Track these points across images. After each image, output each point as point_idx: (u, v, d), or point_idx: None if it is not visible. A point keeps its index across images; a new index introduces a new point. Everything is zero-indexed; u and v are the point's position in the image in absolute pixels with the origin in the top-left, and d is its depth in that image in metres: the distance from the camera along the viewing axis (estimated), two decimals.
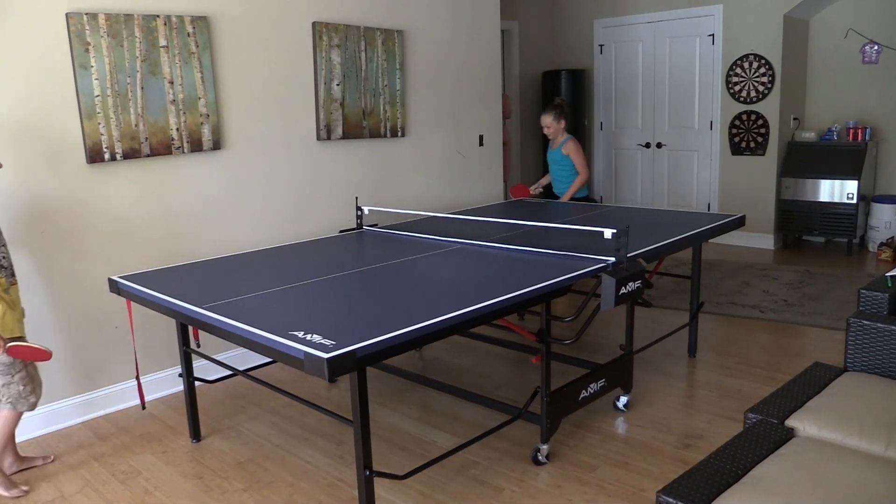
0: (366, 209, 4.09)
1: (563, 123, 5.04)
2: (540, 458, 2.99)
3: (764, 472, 1.89)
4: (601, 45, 7.99)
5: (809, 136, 6.89)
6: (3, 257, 2.86)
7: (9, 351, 2.78)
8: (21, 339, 2.89)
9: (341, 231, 4.08)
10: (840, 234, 6.66)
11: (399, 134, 5.05)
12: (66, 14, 3.36)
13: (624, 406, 3.48)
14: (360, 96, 4.73)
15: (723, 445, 2.06)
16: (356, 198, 4.33)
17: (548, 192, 5.33)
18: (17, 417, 2.96)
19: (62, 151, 3.44)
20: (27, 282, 3.38)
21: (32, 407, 2.98)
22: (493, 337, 4.18)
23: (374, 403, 3.62)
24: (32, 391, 2.96)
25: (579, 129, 8.00)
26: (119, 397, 3.73)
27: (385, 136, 4.96)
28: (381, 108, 4.89)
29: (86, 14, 3.40)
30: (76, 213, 3.52)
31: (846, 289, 5.43)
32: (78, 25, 3.38)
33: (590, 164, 8.30)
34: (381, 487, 2.78)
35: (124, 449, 3.30)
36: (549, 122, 5.03)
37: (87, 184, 3.53)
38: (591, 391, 3.18)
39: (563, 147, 5.02)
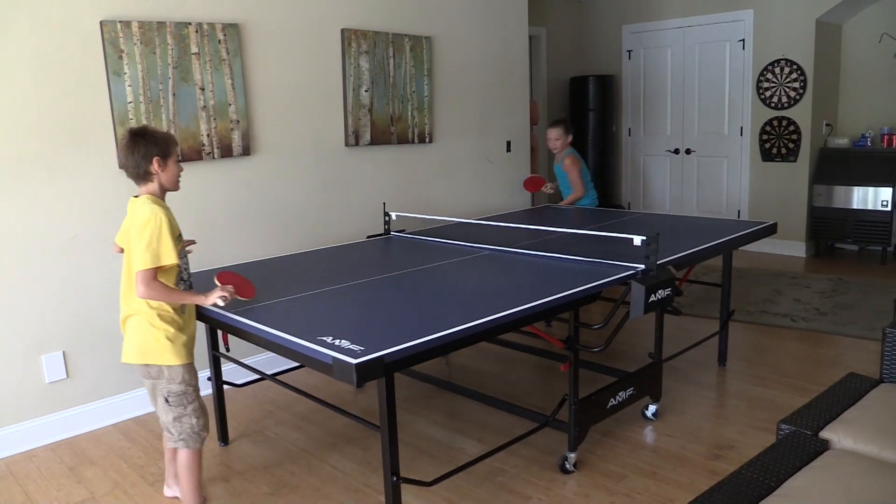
0: (394, 215, 4.10)
1: (569, 138, 5.06)
2: (567, 466, 2.97)
3: (798, 484, 1.85)
4: (629, 51, 7.94)
5: (842, 142, 6.78)
6: (185, 269, 2.58)
7: (219, 277, 2.55)
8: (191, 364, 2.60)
9: (369, 236, 4.09)
10: (874, 241, 6.54)
11: (427, 140, 5.06)
12: (101, 22, 3.41)
13: (653, 415, 3.44)
14: (388, 102, 4.75)
15: (755, 456, 2.03)
16: (384, 203, 4.34)
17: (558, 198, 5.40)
18: (196, 457, 2.63)
19: (95, 157, 3.49)
20: (59, 285, 3.43)
21: (202, 443, 2.65)
22: (520, 344, 4.16)
23: (400, 409, 3.60)
24: (204, 426, 2.63)
25: (607, 136, 7.96)
26: (148, 400, 3.75)
27: (413, 142, 4.97)
28: (409, 114, 4.90)
29: (119, 22, 3.46)
30: (108, 217, 3.56)
31: (880, 298, 5.33)
32: (112, 33, 3.44)
33: (618, 171, 8.25)
34: (407, 494, 2.77)
35: (153, 451, 3.33)
36: (557, 134, 5.04)
37: (119, 189, 3.57)
38: (620, 399, 3.15)
39: (562, 163, 5.06)
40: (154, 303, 2.45)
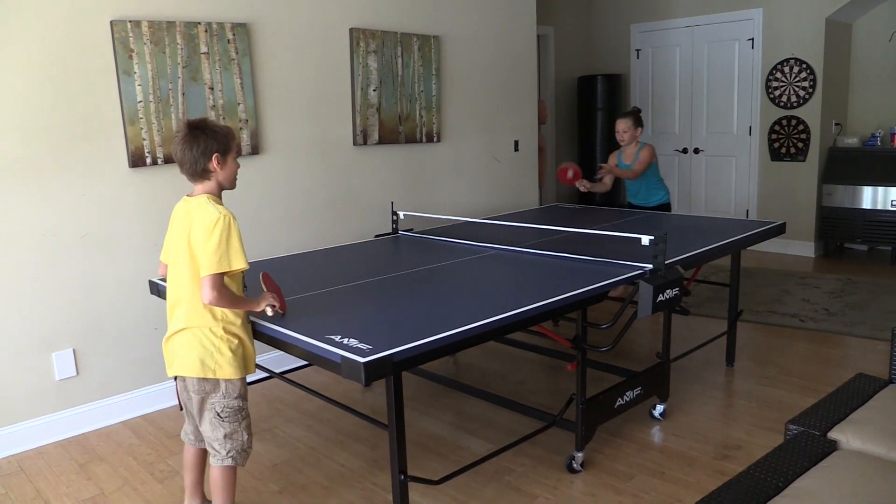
0: (401, 214, 4.10)
1: (639, 131, 4.80)
2: (575, 465, 2.97)
3: (806, 484, 1.85)
4: (638, 50, 7.93)
5: (852, 141, 6.75)
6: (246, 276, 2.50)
7: (265, 279, 2.47)
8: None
9: (377, 236, 4.10)
10: (884, 242, 6.51)
11: (435, 139, 5.07)
12: (111, 21, 3.43)
13: (660, 415, 3.44)
14: (396, 102, 4.75)
15: (763, 457, 2.03)
16: (392, 202, 4.35)
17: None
18: (235, 472, 2.51)
19: (106, 156, 3.51)
20: (70, 283, 3.46)
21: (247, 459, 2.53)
22: (527, 343, 4.17)
23: (408, 408, 3.62)
24: (251, 442, 2.51)
25: (614, 135, 7.93)
26: (158, 398, 3.79)
27: (421, 141, 4.97)
28: (417, 113, 4.91)
29: (130, 21, 3.48)
30: (118, 216, 3.58)
31: (890, 298, 5.30)
32: (122, 32, 3.46)
33: None
34: (415, 492, 2.78)
35: (163, 448, 3.35)
36: (626, 126, 4.76)
37: (129, 187, 3.60)
38: (627, 399, 3.15)
39: (640, 152, 4.78)
40: (219, 312, 2.30)
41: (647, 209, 4.87)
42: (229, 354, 2.32)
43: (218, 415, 2.38)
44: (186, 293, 2.31)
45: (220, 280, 2.22)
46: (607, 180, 5.02)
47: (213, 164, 2.29)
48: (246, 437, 2.45)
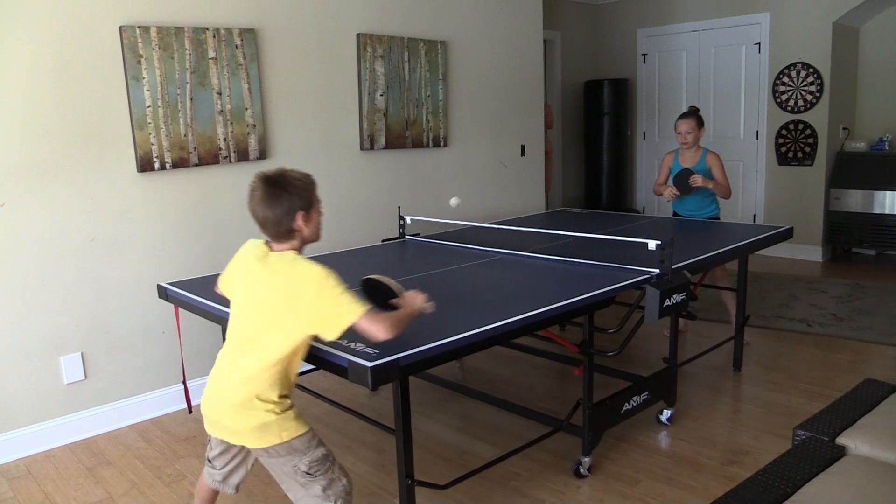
0: (408, 218, 4.11)
1: (702, 132, 4.41)
2: (582, 470, 2.96)
3: (814, 490, 1.85)
4: (644, 55, 7.93)
5: (860, 145, 6.73)
6: None
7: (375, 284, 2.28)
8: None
9: (384, 240, 4.11)
10: (891, 246, 6.48)
11: (441, 144, 5.08)
12: (120, 27, 3.45)
13: (667, 420, 3.43)
14: (403, 106, 4.77)
15: (771, 462, 2.02)
16: (399, 207, 4.36)
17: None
18: None
19: (114, 161, 3.53)
20: (78, 287, 3.47)
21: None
22: (534, 347, 4.16)
23: (414, 412, 3.61)
24: (350, 480, 2.24)
25: (622, 139, 7.94)
26: (165, 401, 3.80)
27: (427, 146, 4.98)
28: (424, 118, 4.92)
29: (138, 27, 3.50)
30: (126, 220, 3.60)
31: None
32: (131, 38, 3.48)
33: (633, 175, 8.24)
34: (421, 497, 2.77)
35: (170, 452, 3.36)
36: (689, 126, 4.35)
37: (137, 192, 3.62)
38: (634, 404, 3.14)
39: (707, 159, 4.38)
40: (272, 379, 2.05)
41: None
42: (287, 414, 2.10)
43: (307, 473, 2.12)
44: (251, 363, 2.06)
45: (371, 315, 2.00)
46: (669, 193, 4.47)
47: (299, 222, 2.08)
48: (345, 480, 2.20)
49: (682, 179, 4.34)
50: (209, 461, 2.39)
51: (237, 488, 2.42)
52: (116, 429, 3.63)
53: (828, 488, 1.85)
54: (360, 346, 2.10)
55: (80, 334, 3.51)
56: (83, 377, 3.53)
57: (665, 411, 3.43)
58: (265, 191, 2.07)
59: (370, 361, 1.97)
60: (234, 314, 2.19)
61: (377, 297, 2.39)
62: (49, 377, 3.43)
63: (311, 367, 3.41)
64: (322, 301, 1.99)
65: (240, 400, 2.07)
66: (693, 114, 4.44)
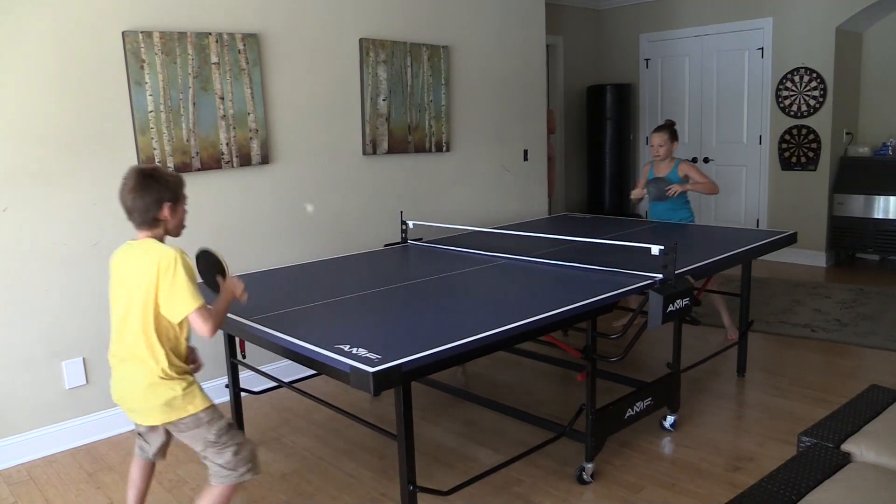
0: (410, 223, 4.10)
1: (675, 145, 4.65)
2: (585, 477, 2.95)
3: (819, 498, 1.83)
4: (647, 60, 7.93)
5: (863, 150, 6.72)
6: None
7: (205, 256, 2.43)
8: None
9: (386, 245, 4.10)
10: (895, 251, 6.46)
11: (444, 149, 5.07)
12: (123, 32, 3.46)
13: (671, 426, 3.41)
14: (405, 111, 4.76)
15: (775, 469, 2.01)
16: (401, 212, 4.36)
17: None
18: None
19: (116, 165, 3.53)
20: (80, 293, 3.47)
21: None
22: (536, 353, 4.15)
23: (417, 418, 3.60)
24: (253, 445, 2.42)
25: (624, 144, 7.94)
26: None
27: (430, 150, 4.98)
28: (427, 122, 4.92)
29: (141, 32, 3.50)
30: (128, 226, 3.58)
31: None
32: (134, 43, 3.48)
33: (635, 179, 8.22)
34: (423, 503, 2.76)
35: (171, 458, 3.33)
36: (662, 140, 4.59)
37: None
38: (638, 410, 3.12)
39: (679, 168, 4.60)
40: (163, 358, 2.23)
41: None
42: (191, 389, 2.28)
43: (215, 442, 2.30)
44: (138, 340, 2.22)
45: (206, 310, 2.19)
46: (636, 193, 4.79)
47: (165, 212, 2.27)
48: (250, 444, 2.39)
49: (653, 187, 4.64)
50: (139, 435, 2.53)
51: (164, 455, 2.58)
52: (118, 434, 3.62)
53: (833, 496, 1.83)
54: (362, 352, 2.09)
55: (82, 339, 3.50)
56: (85, 382, 3.52)
57: (669, 417, 3.42)
58: (137, 180, 2.25)
59: (372, 367, 1.96)
60: (113, 304, 2.31)
61: (209, 269, 2.48)
62: (51, 382, 3.43)
63: (313, 372, 3.41)
64: (167, 284, 2.16)
65: (142, 380, 2.23)
66: (666, 128, 4.66)
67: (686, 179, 4.61)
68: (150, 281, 2.17)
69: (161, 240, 2.31)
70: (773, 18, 6.81)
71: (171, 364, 2.25)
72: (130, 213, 2.28)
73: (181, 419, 2.27)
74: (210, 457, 2.32)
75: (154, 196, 2.24)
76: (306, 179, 4.30)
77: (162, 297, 2.18)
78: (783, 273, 6.57)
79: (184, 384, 2.27)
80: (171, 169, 3.66)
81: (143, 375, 2.23)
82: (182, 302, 2.16)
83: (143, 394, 2.25)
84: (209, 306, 2.24)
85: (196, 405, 2.28)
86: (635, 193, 4.80)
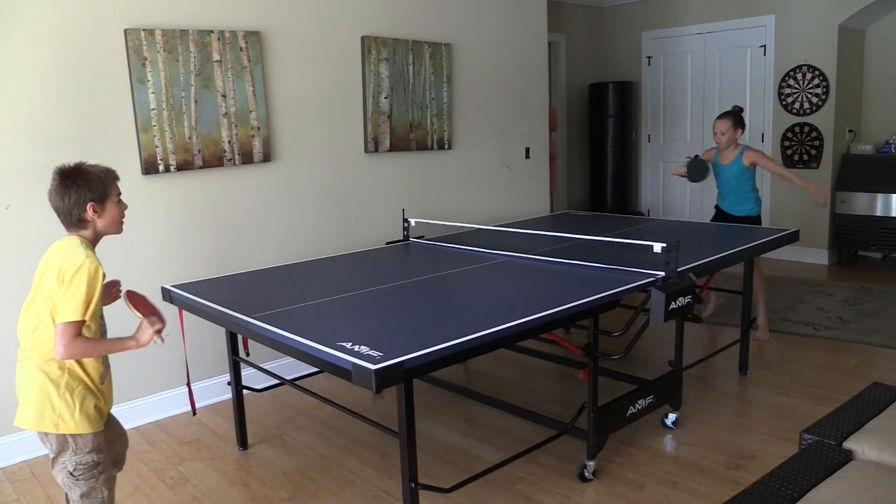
0: (412, 221, 4.10)
1: (739, 133, 4.49)
2: (586, 474, 2.95)
3: (821, 495, 1.83)
4: (649, 57, 7.92)
5: (866, 148, 6.70)
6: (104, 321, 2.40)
7: (129, 296, 2.36)
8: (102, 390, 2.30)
9: (388, 243, 4.10)
10: None
11: (446, 146, 5.07)
12: (125, 30, 3.46)
13: (673, 423, 3.41)
14: (407, 109, 4.76)
15: (777, 467, 2.01)
16: (403, 210, 4.36)
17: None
18: None
19: (119, 163, 3.52)
20: None
21: None
22: (538, 350, 4.15)
23: (418, 415, 3.61)
24: (112, 498, 2.29)
25: (626, 142, 7.93)
26: (169, 404, 3.80)
27: (432, 148, 4.98)
28: (429, 120, 4.92)
29: (143, 30, 3.50)
30: (130, 223, 3.59)
31: None
32: (136, 41, 3.48)
33: (637, 177, 8.22)
34: (425, 500, 2.76)
35: (173, 455, 3.36)
36: (725, 127, 4.45)
37: (142, 195, 3.62)
38: (639, 407, 3.12)
39: (745, 156, 4.49)
40: (50, 352, 2.10)
41: (736, 218, 4.62)
42: (72, 403, 2.13)
43: (70, 474, 2.15)
44: (36, 329, 2.14)
45: (76, 330, 2.06)
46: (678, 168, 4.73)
47: (89, 213, 2.16)
48: (107, 492, 2.23)
49: (694, 167, 4.54)
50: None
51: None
52: None
53: (835, 493, 1.83)
54: (364, 349, 2.09)
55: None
56: None
57: (670, 415, 3.41)
58: (58, 182, 2.16)
59: (374, 364, 1.96)
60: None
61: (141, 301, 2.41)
62: None
63: (315, 369, 3.41)
64: (59, 287, 2.07)
65: (22, 364, 2.14)
66: (732, 114, 4.51)
67: (753, 167, 4.51)
68: (52, 278, 2.08)
69: (93, 240, 2.23)
70: (776, 16, 6.80)
71: (53, 360, 2.10)
72: (58, 214, 2.19)
73: (47, 433, 2.13)
74: (66, 488, 2.20)
75: (75, 197, 2.13)
76: (308, 177, 4.30)
77: (50, 297, 2.08)
78: (785, 271, 6.57)
79: (62, 391, 2.11)
80: (173, 168, 3.66)
81: (24, 356, 2.15)
82: (62, 308, 2.05)
83: (20, 378, 2.16)
84: (88, 336, 2.13)
85: (69, 426, 2.11)
86: (675, 169, 4.74)
